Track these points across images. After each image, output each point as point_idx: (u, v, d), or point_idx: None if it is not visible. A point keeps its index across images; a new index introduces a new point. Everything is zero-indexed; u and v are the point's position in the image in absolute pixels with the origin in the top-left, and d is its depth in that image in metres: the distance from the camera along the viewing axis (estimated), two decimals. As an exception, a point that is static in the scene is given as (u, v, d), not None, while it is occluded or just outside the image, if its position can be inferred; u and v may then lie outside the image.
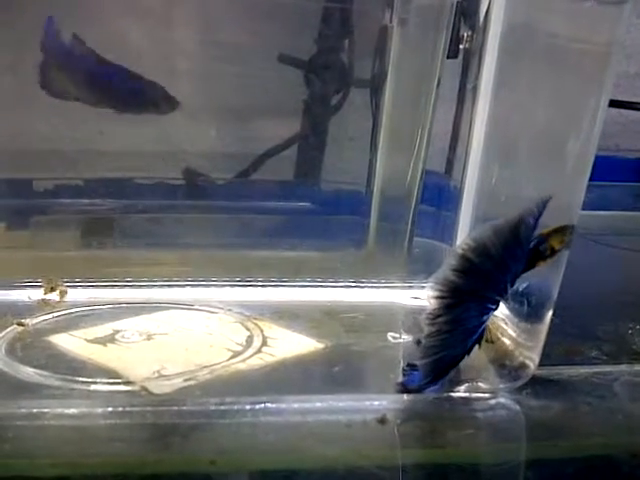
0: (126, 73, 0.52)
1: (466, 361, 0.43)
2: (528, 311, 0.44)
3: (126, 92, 0.53)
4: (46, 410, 0.39)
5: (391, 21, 0.57)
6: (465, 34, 0.54)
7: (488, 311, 0.41)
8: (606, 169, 0.44)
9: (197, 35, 0.55)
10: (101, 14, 0.52)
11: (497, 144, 0.52)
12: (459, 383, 0.43)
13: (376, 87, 0.58)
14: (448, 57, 0.55)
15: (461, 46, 0.54)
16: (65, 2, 0.52)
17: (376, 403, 0.41)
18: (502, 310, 0.48)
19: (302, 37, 0.57)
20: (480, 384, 0.43)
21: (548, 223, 0.46)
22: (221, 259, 0.56)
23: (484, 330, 0.42)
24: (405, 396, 0.42)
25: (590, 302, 0.58)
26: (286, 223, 0.59)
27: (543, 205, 0.41)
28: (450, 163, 0.56)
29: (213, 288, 0.53)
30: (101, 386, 0.41)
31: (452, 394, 0.42)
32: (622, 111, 0.81)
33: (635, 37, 0.86)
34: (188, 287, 0.53)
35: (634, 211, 0.83)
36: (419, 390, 0.41)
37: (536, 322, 0.44)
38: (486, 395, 0.43)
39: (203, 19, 0.54)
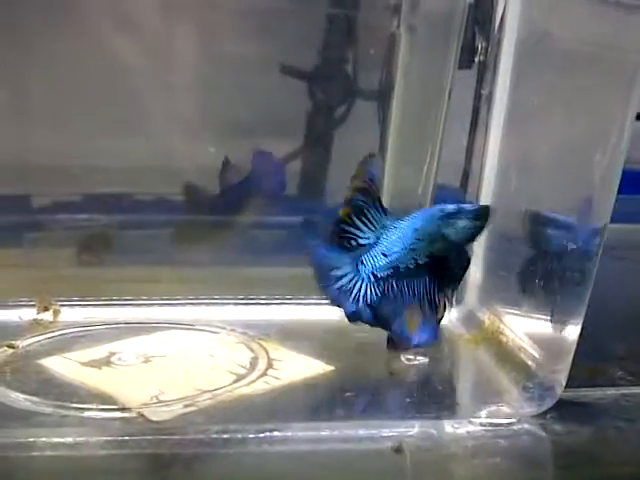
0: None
1: (488, 384, 0.41)
2: (555, 330, 0.42)
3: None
4: (37, 439, 0.37)
5: (399, 28, 0.55)
6: (479, 42, 0.52)
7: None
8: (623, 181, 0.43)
9: (197, 49, 0.53)
10: (100, 28, 0.50)
11: (514, 156, 0.50)
12: (480, 407, 0.41)
13: (383, 98, 0.56)
14: (461, 67, 0.53)
15: (475, 55, 0.52)
16: (63, 18, 0.50)
17: (391, 430, 0.39)
18: (525, 329, 0.46)
19: (305, 47, 0.56)
20: (502, 408, 0.41)
21: (573, 239, 0.44)
22: (223, 276, 0.54)
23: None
24: (422, 422, 0.39)
25: (609, 319, 0.56)
26: (290, 238, 0.57)
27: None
28: (465, 177, 0.54)
29: (215, 307, 0.51)
30: (95, 413, 0.39)
31: (473, 419, 0.40)
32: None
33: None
34: (189, 306, 0.51)
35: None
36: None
37: (563, 342, 0.41)
38: (509, 420, 0.40)
39: (205, 31, 0.53)
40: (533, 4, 0.49)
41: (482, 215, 0.42)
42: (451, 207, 0.42)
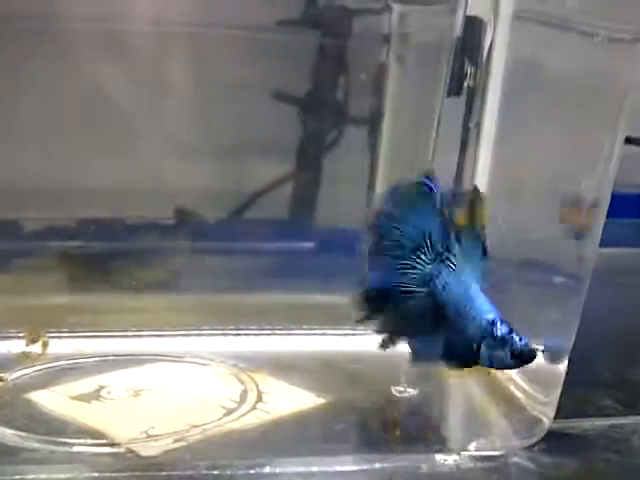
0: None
1: (477, 416, 0.41)
2: (542, 364, 0.42)
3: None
4: (25, 476, 0.36)
5: (388, 58, 0.55)
6: (468, 71, 0.53)
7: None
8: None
9: (190, 73, 0.53)
10: (90, 51, 0.50)
11: (503, 183, 0.51)
12: (469, 440, 0.41)
13: (373, 125, 0.57)
14: (450, 94, 0.53)
15: (464, 83, 0.53)
16: (52, 42, 0.50)
17: (382, 465, 0.39)
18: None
19: (297, 74, 0.56)
20: (492, 441, 0.41)
21: (562, 266, 0.44)
22: (213, 304, 0.53)
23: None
24: (413, 456, 0.39)
25: (597, 346, 0.56)
26: (281, 264, 0.57)
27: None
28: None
29: (205, 337, 0.51)
30: (84, 448, 0.39)
31: (463, 452, 0.40)
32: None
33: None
34: (178, 337, 0.51)
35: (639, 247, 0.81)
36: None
37: (551, 376, 0.42)
38: (499, 453, 0.40)
39: (196, 57, 0.53)
40: (520, 35, 0.49)
41: (522, 357, 0.36)
42: (503, 329, 0.36)
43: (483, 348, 0.36)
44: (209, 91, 0.53)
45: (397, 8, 0.54)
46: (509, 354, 0.35)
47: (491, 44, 0.51)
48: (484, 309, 0.36)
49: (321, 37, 0.56)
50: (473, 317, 0.36)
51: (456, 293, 0.37)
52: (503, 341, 0.35)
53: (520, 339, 0.35)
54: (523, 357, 0.35)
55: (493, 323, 0.36)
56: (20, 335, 0.48)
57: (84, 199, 0.53)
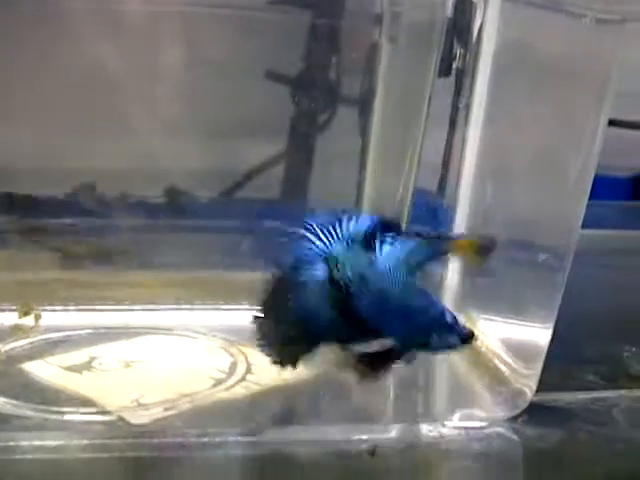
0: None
1: (461, 388, 0.42)
2: (526, 333, 0.43)
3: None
4: (18, 442, 0.37)
5: (380, 38, 0.56)
6: (458, 52, 0.53)
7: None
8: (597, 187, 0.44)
9: (181, 52, 0.54)
10: (81, 33, 0.51)
11: (491, 163, 0.51)
12: (454, 411, 0.41)
13: (365, 105, 0.57)
14: (440, 75, 0.54)
15: (454, 64, 0.53)
16: (47, 22, 0.50)
17: (366, 434, 0.39)
18: (497, 335, 0.46)
19: (289, 54, 0.56)
20: (475, 412, 0.42)
21: (546, 243, 0.45)
22: (204, 281, 0.54)
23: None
24: (398, 426, 0.40)
25: (582, 324, 0.57)
26: (272, 243, 0.57)
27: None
28: (442, 182, 0.55)
29: (195, 312, 0.52)
30: (76, 416, 0.39)
31: (446, 423, 0.40)
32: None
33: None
34: (169, 311, 0.51)
35: (626, 229, 0.82)
36: None
37: (534, 346, 0.42)
38: (482, 424, 0.41)
39: (187, 36, 0.53)
40: (510, 16, 0.50)
41: (469, 339, 0.37)
42: (449, 317, 0.36)
43: (434, 335, 0.36)
44: (201, 70, 0.54)
45: (389, -14, 0.54)
46: (458, 338, 0.37)
47: (481, 25, 0.52)
48: (429, 301, 0.37)
49: (313, 16, 0.56)
50: (421, 310, 0.36)
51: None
52: (451, 328, 0.36)
53: (463, 325, 0.37)
54: (469, 339, 0.37)
55: (442, 313, 0.36)
56: (13, 308, 0.49)
57: (76, 177, 0.53)
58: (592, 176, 0.43)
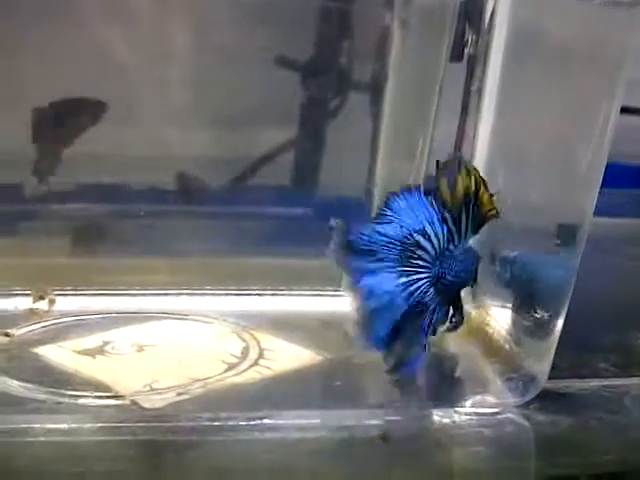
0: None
1: (473, 374, 0.41)
2: (538, 320, 0.43)
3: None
4: (32, 425, 0.37)
5: (392, 22, 0.55)
6: (469, 37, 0.53)
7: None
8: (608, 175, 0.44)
9: (190, 38, 0.53)
10: (89, 19, 0.51)
11: (503, 149, 0.51)
12: (465, 397, 0.41)
13: (376, 91, 0.57)
14: (452, 60, 0.53)
15: (466, 49, 0.53)
16: (54, 9, 0.50)
17: (378, 419, 0.40)
18: (510, 320, 0.46)
19: (299, 39, 0.56)
20: (487, 398, 0.42)
21: (558, 230, 0.44)
22: (216, 267, 0.54)
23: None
24: (409, 411, 0.40)
25: (594, 311, 0.57)
26: (283, 229, 0.57)
27: None
28: (455, 169, 0.55)
29: (208, 297, 0.52)
30: (90, 400, 0.39)
31: (458, 409, 0.41)
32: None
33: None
34: (182, 296, 0.51)
35: (637, 217, 0.82)
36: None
37: (546, 333, 0.42)
38: (493, 410, 0.41)
39: (196, 21, 0.53)
40: (522, 1, 0.49)
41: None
42: None
43: None
44: (210, 56, 0.53)
45: (401, -29, 0.54)
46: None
47: (493, 10, 0.51)
48: None
49: (324, 1, 0.56)
50: None
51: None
52: None
53: None
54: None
55: None
56: (27, 293, 0.49)
57: (86, 164, 0.53)
58: (604, 163, 0.43)
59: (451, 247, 0.41)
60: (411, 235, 0.40)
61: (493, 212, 0.42)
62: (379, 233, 0.40)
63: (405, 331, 0.40)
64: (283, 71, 0.55)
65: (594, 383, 0.45)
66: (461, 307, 0.42)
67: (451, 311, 0.42)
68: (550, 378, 0.43)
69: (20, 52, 0.50)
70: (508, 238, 0.48)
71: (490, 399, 0.42)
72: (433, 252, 0.40)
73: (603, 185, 0.43)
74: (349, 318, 0.44)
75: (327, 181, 0.59)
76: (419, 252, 0.40)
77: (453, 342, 0.48)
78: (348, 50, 0.57)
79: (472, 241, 0.42)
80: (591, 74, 0.43)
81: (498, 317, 0.48)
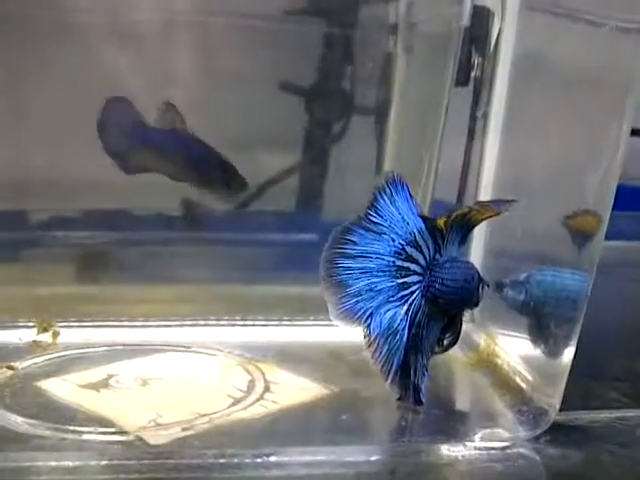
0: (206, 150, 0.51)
1: (482, 407, 0.41)
2: (551, 345, 0.42)
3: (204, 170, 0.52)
4: (35, 463, 0.37)
5: (396, 48, 0.55)
6: (476, 60, 0.52)
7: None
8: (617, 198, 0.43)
9: (196, 63, 0.53)
10: (97, 44, 0.51)
11: (510, 173, 0.51)
12: (474, 431, 0.41)
13: (381, 115, 0.57)
14: (458, 84, 0.53)
15: (472, 73, 0.52)
16: (56, 31, 0.50)
17: (387, 454, 0.39)
18: (519, 352, 0.46)
19: (303, 65, 0.56)
20: (497, 432, 0.41)
21: (568, 257, 0.44)
22: (220, 295, 0.54)
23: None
24: (417, 446, 0.39)
25: (604, 338, 0.56)
26: (288, 256, 0.57)
27: None
28: (461, 192, 0.54)
29: (212, 328, 0.51)
30: (94, 436, 0.39)
31: (468, 443, 0.40)
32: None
33: None
34: (186, 327, 0.51)
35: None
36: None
37: (556, 365, 0.42)
38: (504, 444, 0.40)
39: (202, 46, 0.53)
40: (528, 25, 0.49)
41: None
42: None
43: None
44: (216, 81, 0.53)
45: (405, -3, 0.54)
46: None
47: (499, 34, 0.51)
48: None
49: (328, 27, 0.56)
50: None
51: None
52: None
53: None
54: None
55: None
56: (31, 324, 0.49)
57: (91, 190, 0.53)
58: (615, 188, 0.42)
59: (437, 256, 0.40)
60: (404, 249, 0.40)
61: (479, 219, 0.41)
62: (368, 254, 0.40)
63: (406, 353, 0.40)
64: (288, 96, 0.55)
65: (605, 415, 0.44)
66: (457, 327, 0.42)
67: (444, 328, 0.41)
68: (560, 409, 0.42)
69: (29, 79, 0.50)
70: (516, 264, 0.48)
71: (500, 433, 0.41)
72: (424, 263, 0.40)
73: (612, 208, 0.42)
74: (356, 348, 0.44)
75: (332, 206, 0.59)
76: (411, 265, 0.40)
77: (461, 373, 0.48)
78: (352, 75, 0.57)
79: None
80: (599, 98, 0.43)
81: (507, 347, 0.47)
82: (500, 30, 0.51)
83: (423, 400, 0.41)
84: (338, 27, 0.56)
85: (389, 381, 0.40)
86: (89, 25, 0.51)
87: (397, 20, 0.54)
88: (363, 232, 0.41)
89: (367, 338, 0.40)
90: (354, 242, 0.41)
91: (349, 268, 0.40)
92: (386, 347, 0.40)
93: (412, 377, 0.40)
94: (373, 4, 0.56)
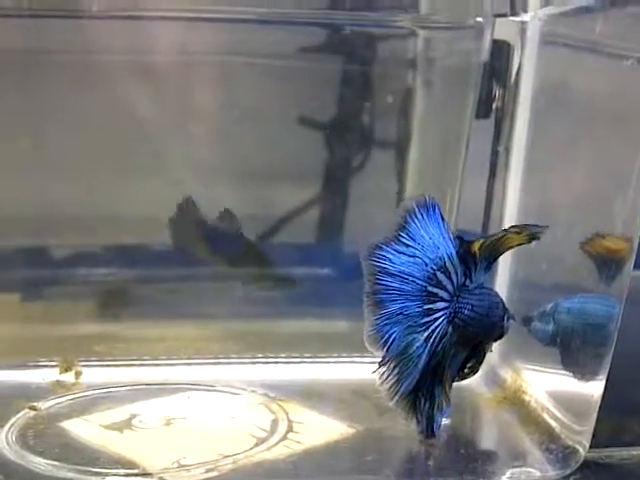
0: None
1: (511, 445, 0.40)
2: (578, 389, 0.41)
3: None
4: (58, 507, 0.36)
5: (414, 82, 0.55)
6: (496, 93, 0.52)
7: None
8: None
9: (217, 98, 0.54)
10: (118, 78, 0.51)
11: (534, 207, 0.50)
12: (504, 470, 0.40)
13: (401, 148, 0.57)
14: (479, 117, 0.53)
15: (493, 105, 0.52)
16: (80, 69, 0.51)
17: (414, 496, 0.38)
18: (547, 387, 0.45)
19: (324, 100, 0.56)
20: (526, 471, 0.40)
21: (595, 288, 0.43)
22: (242, 332, 0.53)
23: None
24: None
25: (634, 370, 0.54)
26: (308, 291, 0.56)
27: None
28: (485, 225, 0.54)
29: (235, 366, 0.51)
30: (117, 478, 0.39)
31: (496, 484, 0.39)
32: None
33: None
34: (208, 365, 0.51)
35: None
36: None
37: (585, 401, 0.41)
38: (533, 484, 0.39)
39: (223, 82, 0.53)
40: (548, 58, 0.49)
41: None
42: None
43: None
44: (236, 118, 0.54)
45: (422, 33, 0.54)
46: None
47: (519, 67, 0.51)
48: None
49: (346, 63, 0.56)
50: None
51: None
52: None
53: None
54: None
55: None
56: (53, 364, 0.49)
57: (112, 226, 0.53)
58: (640, 221, 0.41)
59: (467, 282, 0.40)
60: (435, 275, 0.39)
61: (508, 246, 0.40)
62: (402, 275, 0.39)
63: (427, 384, 0.39)
64: (309, 131, 0.55)
65: (637, 452, 0.43)
66: (480, 356, 0.41)
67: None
68: (590, 446, 0.41)
69: (50, 115, 0.51)
70: (542, 296, 0.47)
71: (529, 472, 0.40)
72: (451, 289, 0.39)
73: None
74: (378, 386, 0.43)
75: (352, 239, 0.58)
76: (440, 291, 0.39)
77: (488, 410, 0.47)
78: (372, 110, 0.57)
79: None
80: (622, 130, 0.42)
81: (534, 383, 0.46)
82: (520, 64, 0.51)
83: (436, 432, 0.40)
84: (356, 64, 0.56)
85: (392, 403, 0.39)
86: (112, 64, 0.51)
87: (416, 55, 0.55)
88: (395, 253, 0.40)
89: (382, 359, 0.39)
90: (390, 260, 0.39)
91: (389, 287, 0.39)
92: (397, 370, 0.39)
93: (425, 406, 0.39)
94: (391, 40, 0.56)
